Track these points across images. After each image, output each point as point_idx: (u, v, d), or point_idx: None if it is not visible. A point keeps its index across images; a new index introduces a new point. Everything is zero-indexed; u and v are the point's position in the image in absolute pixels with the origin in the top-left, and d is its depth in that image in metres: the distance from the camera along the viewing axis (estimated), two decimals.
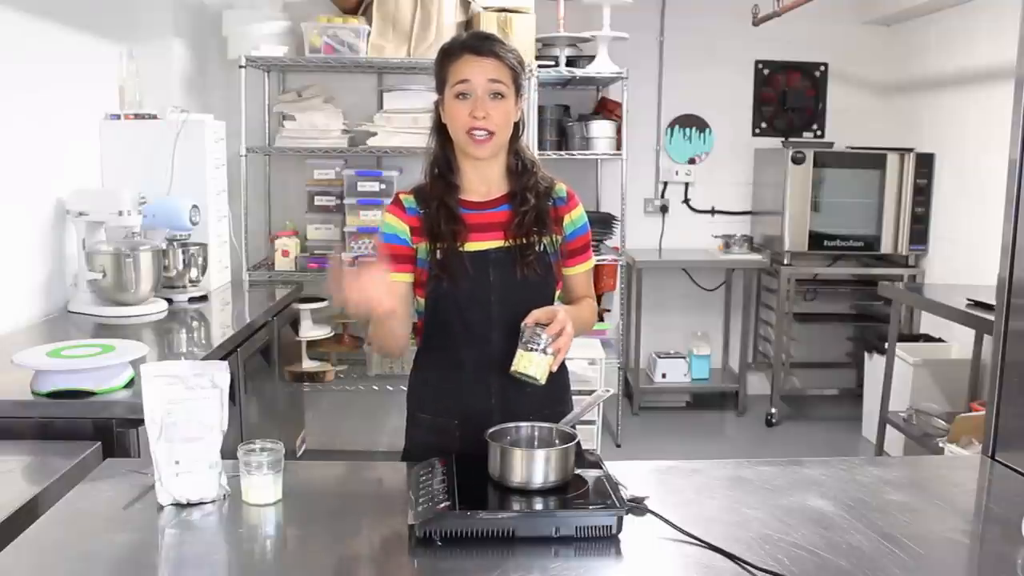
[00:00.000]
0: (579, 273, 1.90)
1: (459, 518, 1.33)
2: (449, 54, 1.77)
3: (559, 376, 1.91)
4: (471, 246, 1.77)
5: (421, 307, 1.82)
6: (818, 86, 5.14)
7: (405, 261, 1.81)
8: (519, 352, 1.66)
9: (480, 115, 1.71)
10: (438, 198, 1.79)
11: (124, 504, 1.47)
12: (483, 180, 1.82)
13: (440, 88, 1.79)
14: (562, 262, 1.86)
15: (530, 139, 3.92)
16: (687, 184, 5.15)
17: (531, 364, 1.65)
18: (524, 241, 1.78)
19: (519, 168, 1.84)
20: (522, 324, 1.67)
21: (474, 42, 1.77)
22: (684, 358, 4.95)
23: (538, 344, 1.65)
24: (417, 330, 1.87)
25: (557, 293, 1.87)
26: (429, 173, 1.85)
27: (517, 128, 1.82)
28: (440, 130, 1.82)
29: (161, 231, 3.02)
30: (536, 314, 1.67)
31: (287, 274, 3.88)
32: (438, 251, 1.77)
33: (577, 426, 1.58)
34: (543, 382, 1.66)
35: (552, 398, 1.84)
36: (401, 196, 1.84)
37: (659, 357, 4.95)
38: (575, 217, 1.87)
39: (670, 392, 5.07)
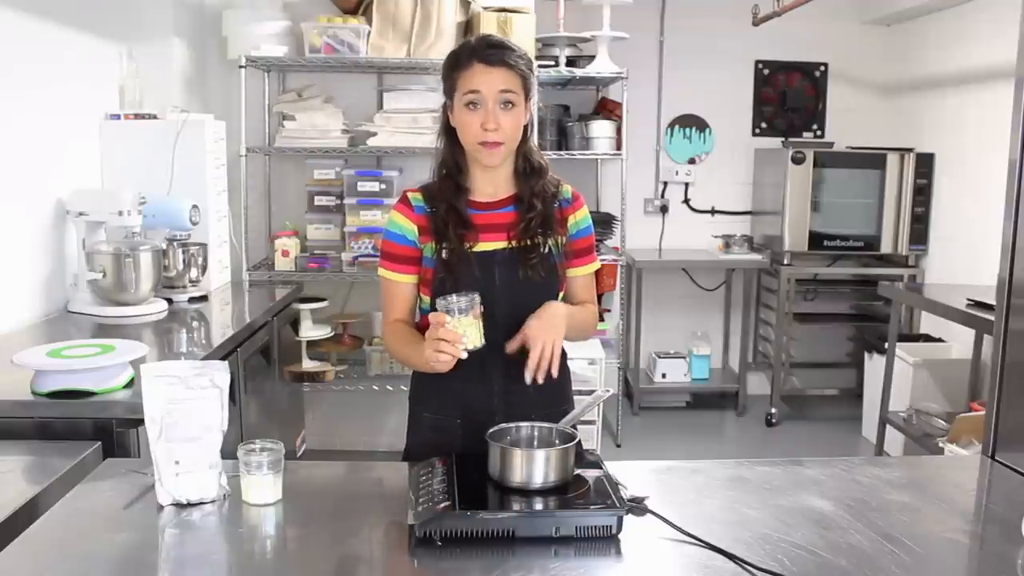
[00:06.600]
0: (580, 275, 1.89)
1: (459, 518, 1.33)
2: (459, 62, 1.75)
3: (560, 375, 1.91)
4: (478, 247, 1.77)
5: (427, 304, 1.81)
6: (818, 86, 5.14)
7: (410, 262, 1.81)
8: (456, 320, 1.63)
9: (491, 127, 1.71)
10: (447, 201, 1.79)
11: (124, 504, 1.47)
12: (491, 182, 1.83)
13: (449, 93, 1.78)
14: (564, 263, 1.85)
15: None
16: (687, 184, 5.15)
17: (465, 332, 1.63)
18: (529, 243, 1.78)
19: (528, 171, 1.83)
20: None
21: (485, 51, 1.74)
22: (684, 358, 4.95)
23: (454, 308, 1.63)
24: (422, 328, 1.86)
25: (561, 295, 1.87)
26: (437, 173, 1.84)
27: (525, 130, 1.81)
28: (448, 132, 1.81)
29: (161, 231, 3.02)
30: (521, 338, 1.69)
31: (287, 274, 3.87)
32: (444, 251, 1.76)
33: (577, 426, 1.57)
34: (481, 343, 1.65)
35: (555, 398, 1.84)
36: (409, 194, 1.84)
37: (659, 357, 4.95)
38: (579, 218, 1.87)
39: (670, 392, 5.07)
